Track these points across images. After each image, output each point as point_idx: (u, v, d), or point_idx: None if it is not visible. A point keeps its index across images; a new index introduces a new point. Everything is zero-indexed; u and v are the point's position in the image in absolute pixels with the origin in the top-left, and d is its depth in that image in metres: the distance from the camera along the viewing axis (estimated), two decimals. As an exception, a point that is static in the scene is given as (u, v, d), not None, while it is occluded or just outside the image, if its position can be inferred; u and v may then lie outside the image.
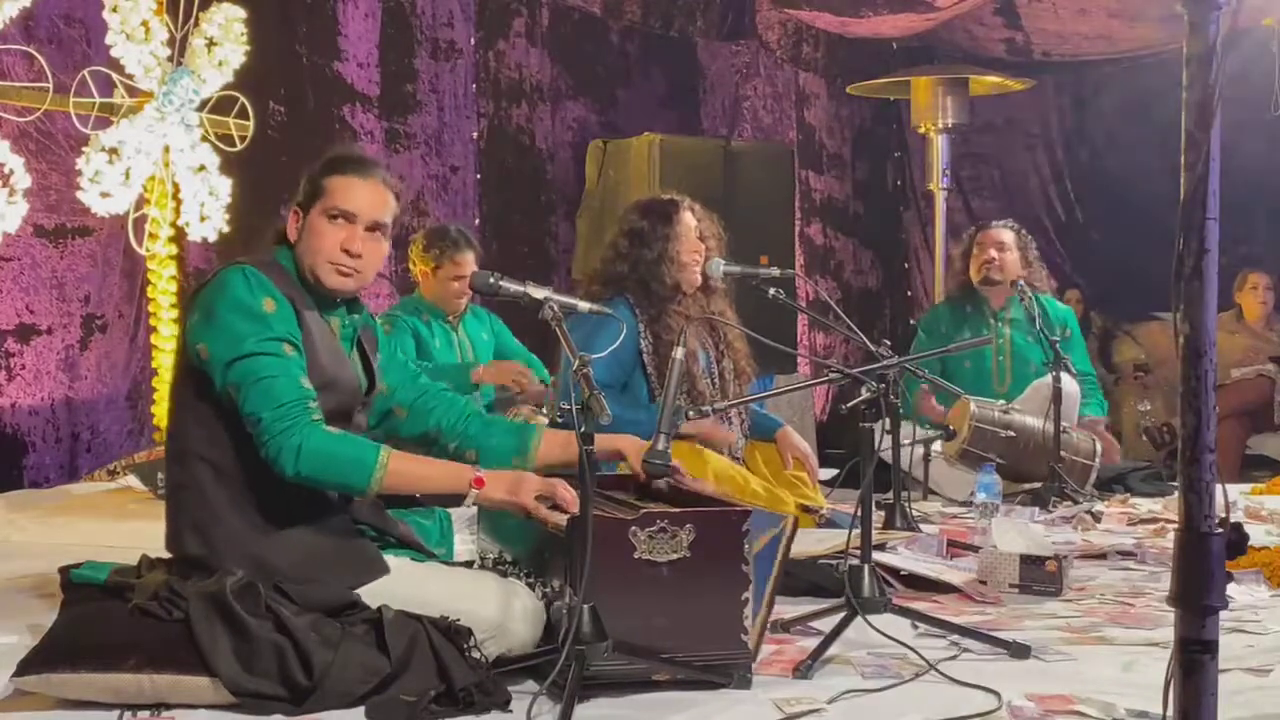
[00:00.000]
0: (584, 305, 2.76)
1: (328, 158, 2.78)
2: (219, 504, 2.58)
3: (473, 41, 7.16)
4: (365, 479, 2.53)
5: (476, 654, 2.48)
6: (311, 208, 2.72)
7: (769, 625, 2.77)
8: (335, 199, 2.71)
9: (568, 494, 2.59)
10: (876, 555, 3.23)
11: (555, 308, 2.65)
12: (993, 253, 5.63)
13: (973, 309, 5.73)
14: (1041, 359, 5.20)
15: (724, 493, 3.23)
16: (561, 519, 2.55)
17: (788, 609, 3.18)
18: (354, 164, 2.75)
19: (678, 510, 2.59)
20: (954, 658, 2.82)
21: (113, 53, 5.33)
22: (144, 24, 5.37)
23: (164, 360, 5.71)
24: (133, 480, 5.22)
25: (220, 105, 5.76)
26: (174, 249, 5.76)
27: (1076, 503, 4.88)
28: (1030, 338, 5.45)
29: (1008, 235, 5.70)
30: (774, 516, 2.62)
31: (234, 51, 5.68)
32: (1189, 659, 1.60)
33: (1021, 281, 5.44)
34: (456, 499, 2.67)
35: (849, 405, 3.33)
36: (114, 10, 5.29)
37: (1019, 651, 2.83)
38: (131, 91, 5.43)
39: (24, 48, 5.12)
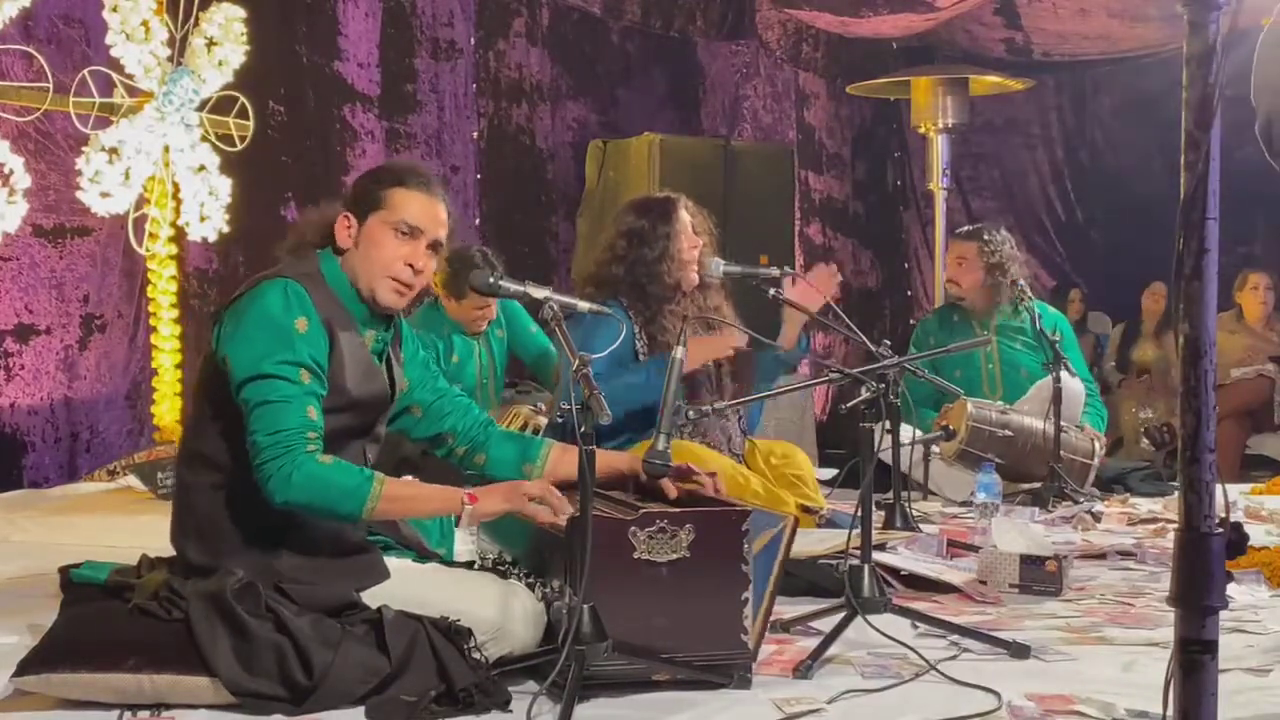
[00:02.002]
0: (584, 305, 2.76)
1: (391, 167, 2.74)
2: (224, 509, 2.57)
3: (473, 41, 7.16)
4: (358, 508, 2.51)
5: (477, 654, 2.48)
6: (370, 216, 2.68)
7: (769, 625, 2.77)
8: (402, 213, 2.68)
9: (557, 500, 2.59)
10: (876, 555, 3.23)
11: (555, 308, 2.65)
12: (953, 269, 5.58)
13: (960, 318, 5.67)
14: (1034, 363, 5.18)
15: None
16: (561, 519, 2.55)
17: (788, 609, 3.18)
18: (421, 179, 2.73)
19: (677, 510, 2.59)
20: (954, 658, 2.82)
21: (113, 53, 5.33)
22: (144, 24, 5.37)
23: (164, 360, 5.72)
24: (133, 480, 5.22)
25: (220, 105, 5.76)
26: (174, 249, 5.77)
27: (1076, 503, 4.88)
28: (1020, 344, 5.44)
29: (968, 246, 5.60)
30: (773, 516, 2.62)
31: (234, 51, 5.69)
32: (1189, 659, 1.60)
33: (1022, 282, 5.43)
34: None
35: (849, 405, 3.33)
36: (114, 10, 5.29)
37: (1019, 651, 2.83)
38: (131, 91, 5.43)
39: (24, 48, 5.13)
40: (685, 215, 4.12)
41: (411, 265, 2.67)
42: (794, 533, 2.64)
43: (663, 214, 4.10)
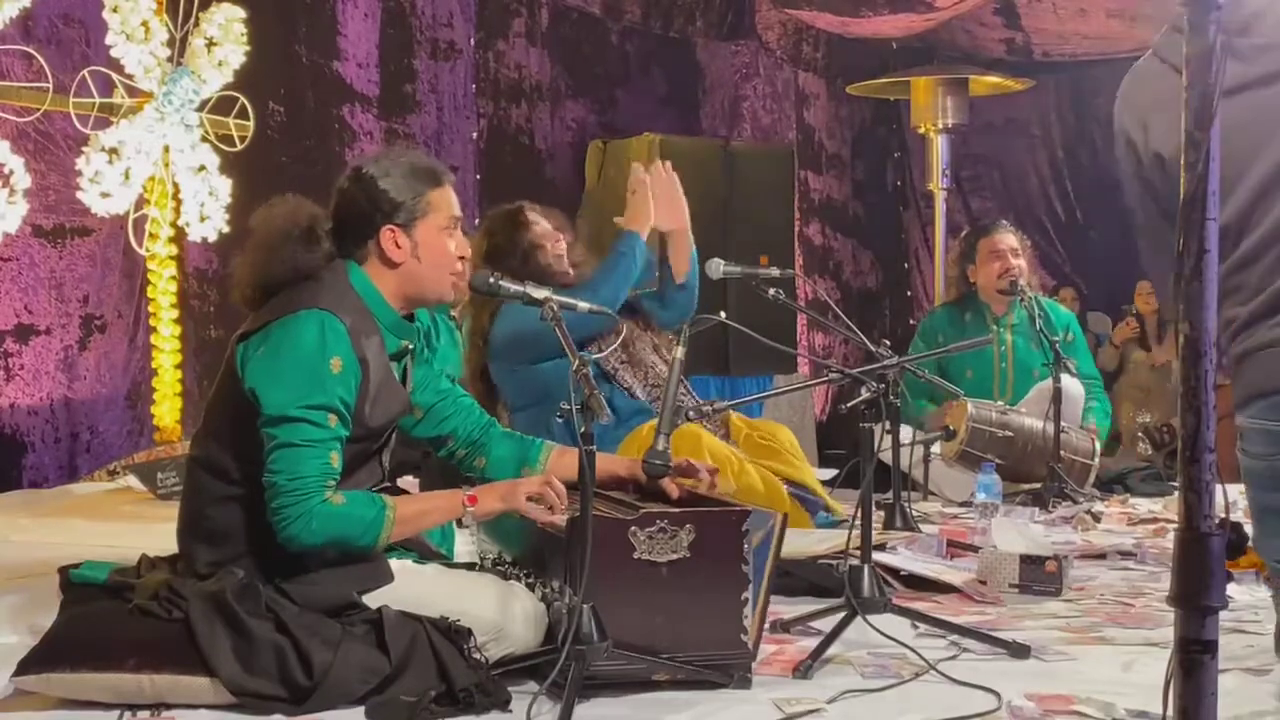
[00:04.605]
0: (583, 305, 2.76)
1: (420, 167, 2.71)
2: (236, 518, 2.57)
3: (472, 41, 7.16)
4: (374, 539, 2.54)
5: (477, 654, 2.48)
6: (417, 224, 2.66)
7: (768, 625, 2.77)
8: (446, 211, 2.70)
9: (553, 494, 2.60)
10: (876, 555, 3.23)
11: (555, 308, 2.65)
12: (1011, 260, 5.54)
13: (973, 315, 5.65)
14: (1043, 363, 5.17)
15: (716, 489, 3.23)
16: (560, 519, 2.56)
17: (788, 609, 3.18)
18: (443, 171, 2.75)
19: (677, 510, 2.59)
20: (954, 658, 2.82)
21: (113, 53, 5.33)
22: (144, 24, 5.37)
23: (164, 360, 5.72)
24: (133, 480, 5.22)
25: (220, 105, 5.76)
26: (174, 249, 5.76)
27: (1076, 503, 4.88)
28: (1032, 342, 5.41)
29: (1015, 239, 5.62)
30: (764, 515, 2.61)
31: (234, 51, 5.69)
32: (1189, 659, 1.60)
33: (1022, 282, 5.41)
34: None
35: (849, 405, 3.33)
36: (114, 10, 5.29)
37: (1019, 651, 2.83)
38: (131, 91, 5.43)
39: (24, 48, 5.13)
40: (535, 216, 4.17)
41: (463, 255, 2.73)
42: (784, 529, 2.63)
43: (511, 222, 4.14)
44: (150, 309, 5.74)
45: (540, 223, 4.16)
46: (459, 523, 2.78)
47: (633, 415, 4.05)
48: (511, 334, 3.96)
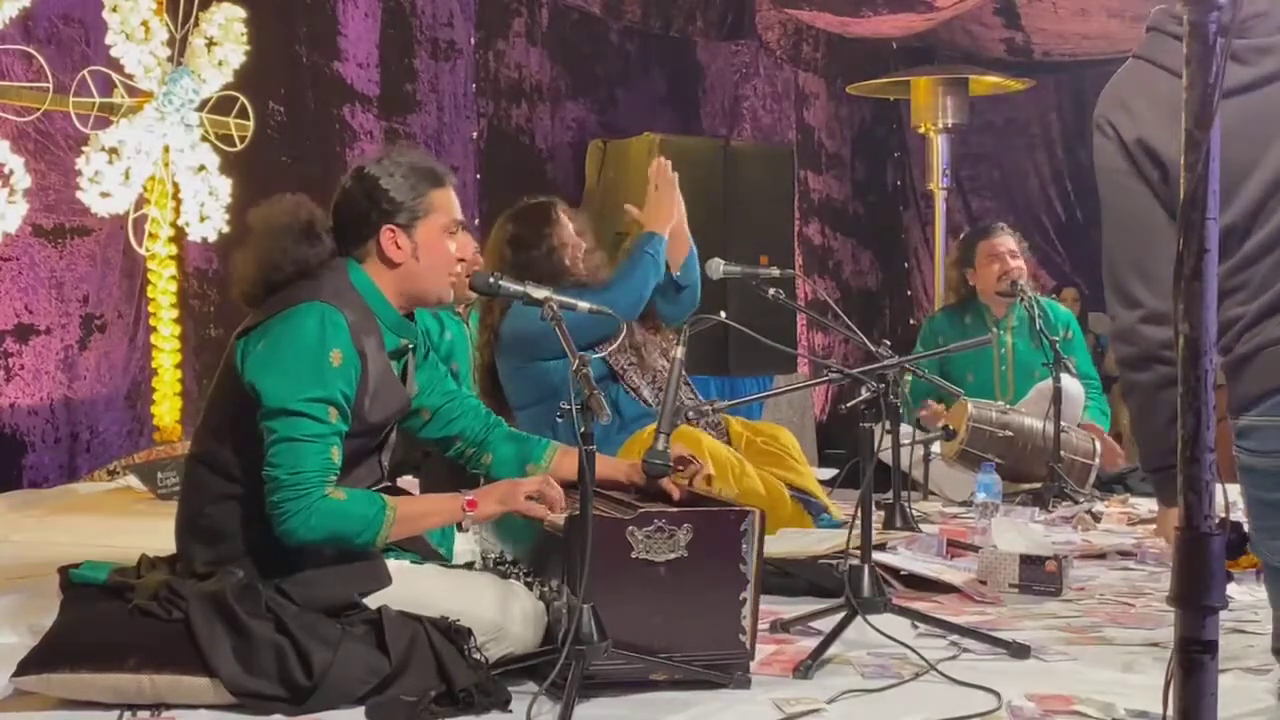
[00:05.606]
0: (584, 305, 2.76)
1: (421, 167, 2.71)
2: (234, 517, 2.57)
3: (472, 41, 7.16)
4: (373, 538, 2.54)
5: (477, 654, 2.48)
6: (418, 225, 2.66)
7: (768, 624, 2.77)
8: (449, 213, 2.70)
9: (553, 492, 2.60)
10: (876, 555, 3.23)
11: (555, 308, 2.65)
12: (1010, 262, 5.54)
13: (972, 318, 5.65)
14: (1044, 363, 5.16)
15: (717, 491, 3.24)
16: (559, 518, 2.56)
17: (787, 609, 3.18)
18: (444, 171, 2.75)
19: (675, 510, 2.59)
20: (954, 658, 2.82)
21: (112, 53, 5.33)
22: (144, 24, 5.38)
23: (164, 360, 5.72)
24: (133, 480, 5.22)
25: (220, 105, 5.77)
26: (174, 249, 5.77)
27: (1076, 503, 4.87)
28: (1032, 342, 5.41)
29: (1014, 241, 5.62)
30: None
31: (234, 51, 5.69)
32: (1189, 659, 1.59)
33: (1020, 282, 5.41)
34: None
35: (849, 405, 3.33)
36: (114, 10, 5.30)
37: (1019, 651, 2.83)
38: (131, 91, 5.43)
39: (24, 48, 5.13)
40: (563, 216, 4.16)
41: (463, 258, 2.75)
42: (763, 526, 2.62)
43: (541, 217, 4.12)
44: (150, 309, 5.74)
45: (568, 226, 4.14)
46: (459, 527, 2.78)
47: (636, 419, 4.05)
48: (520, 331, 3.96)
